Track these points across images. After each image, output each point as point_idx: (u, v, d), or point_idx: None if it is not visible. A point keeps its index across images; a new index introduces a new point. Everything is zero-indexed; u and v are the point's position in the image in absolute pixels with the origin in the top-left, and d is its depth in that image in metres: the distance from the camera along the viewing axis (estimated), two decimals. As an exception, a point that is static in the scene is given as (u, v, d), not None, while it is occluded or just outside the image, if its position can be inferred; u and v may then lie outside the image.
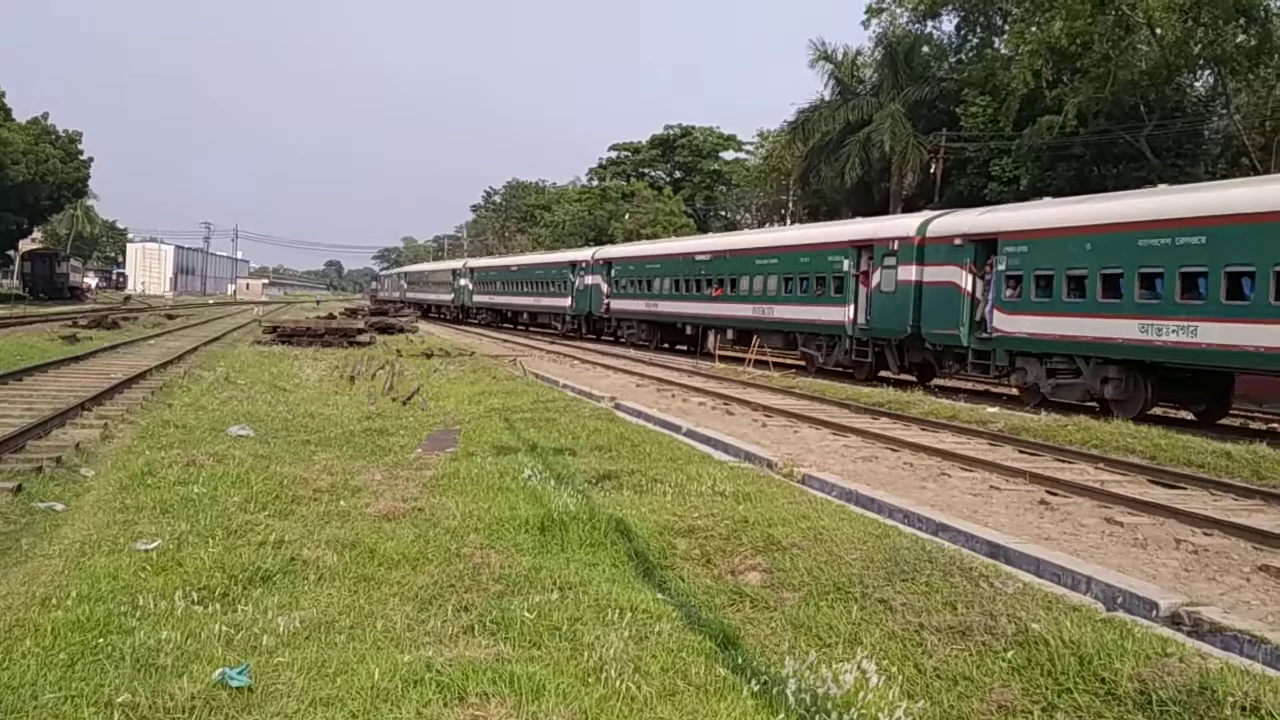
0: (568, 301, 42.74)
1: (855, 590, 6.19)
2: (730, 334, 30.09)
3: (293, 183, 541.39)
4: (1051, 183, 34.21)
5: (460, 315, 60.17)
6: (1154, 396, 17.05)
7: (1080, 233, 17.74)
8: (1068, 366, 17.97)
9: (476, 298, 57.06)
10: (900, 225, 23.14)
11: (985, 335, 19.53)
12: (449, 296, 62.85)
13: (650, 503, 8.62)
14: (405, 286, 79.55)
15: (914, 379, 22.84)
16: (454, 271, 64.08)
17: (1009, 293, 18.96)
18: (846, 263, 23.85)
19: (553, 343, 38.40)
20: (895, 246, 22.15)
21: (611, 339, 39.06)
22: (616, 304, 37.91)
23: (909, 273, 21.51)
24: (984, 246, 19.94)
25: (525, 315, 50.43)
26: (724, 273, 29.88)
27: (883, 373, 23.52)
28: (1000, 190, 36.03)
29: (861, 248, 23.64)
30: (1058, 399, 18.16)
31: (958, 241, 20.45)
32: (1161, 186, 19.90)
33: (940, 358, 21.57)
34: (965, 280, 20.01)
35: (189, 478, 9.07)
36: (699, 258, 31.98)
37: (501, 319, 53.86)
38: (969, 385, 21.93)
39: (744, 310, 28.51)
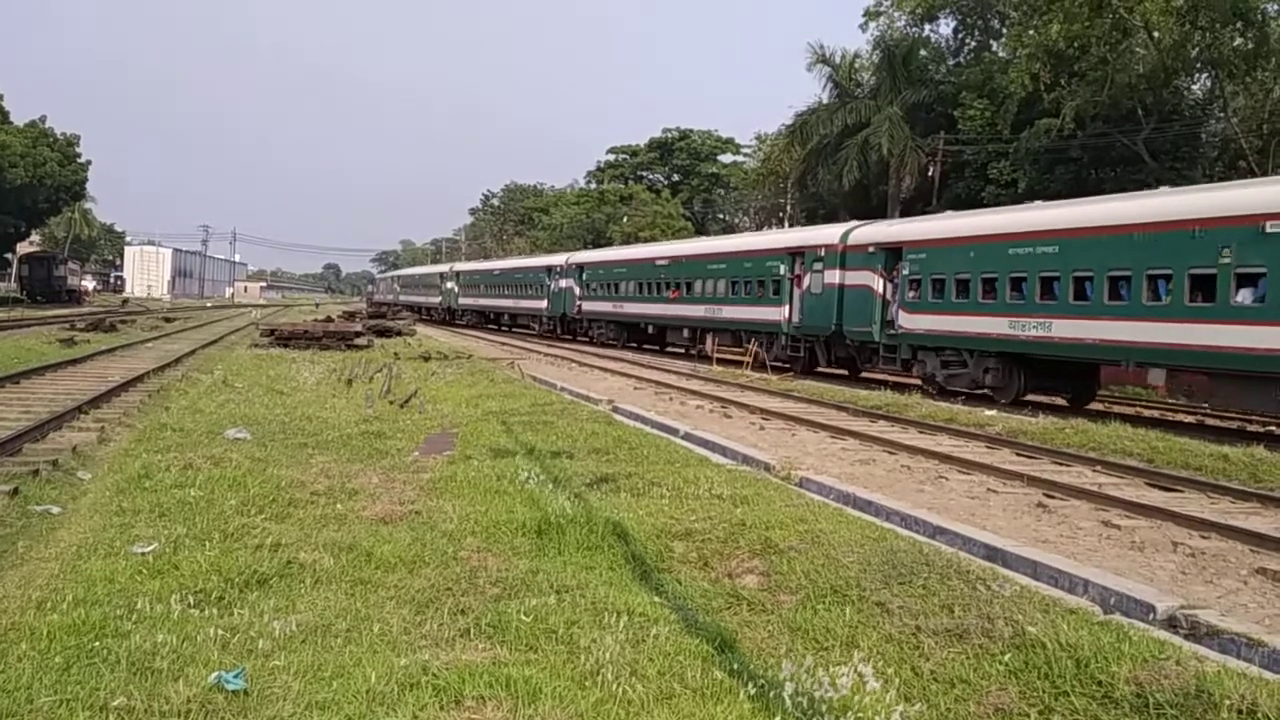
0: (544, 303, 45.36)
1: (852, 593, 6.18)
2: (685, 333, 32.81)
3: (291, 185, 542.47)
4: (1049, 185, 34.25)
5: (448, 317, 62.03)
6: (1026, 385, 19.59)
7: (966, 242, 20.45)
8: (957, 359, 20.56)
9: (462, 300, 59.28)
10: (826, 234, 25.89)
11: (893, 332, 22.19)
12: (438, 299, 64.76)
13: (647, 506, 8.61)
14: (398, 289, 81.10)
15: (845, 372, 25.52)
16: (441, 275, 66.11)
17: (910, 295, 21.66)
18: (783, 268, 26.47)
19: (550, 345, 38.50)
20: (822, 253, 24.78)
21: (586, 339, 40.90)
22: (587, 305, 40.45)
23: (833, 277, 24.15)
24: (892, 254, 22.51)
25: (506, 316, 53.10)
26: (680, 276, 32.65)
27: (818, 368, 26.10)
28: (998, 193, 36.07)
29: (795, 254, 26.15)
30: (950, 387, 20.50)
31: (871, 249, 23.17)
32: (1036, 203, 22.30)
33: (860, 352, 24.23)
34: (878, 284, 22.69)
35: (186, 481, 9.05)
36: (659, 263, 34.81)
37: (485, 320, 56.09)
38: (893, 378, 23.48)
39: (698, 311, 31.16)
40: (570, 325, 43.38)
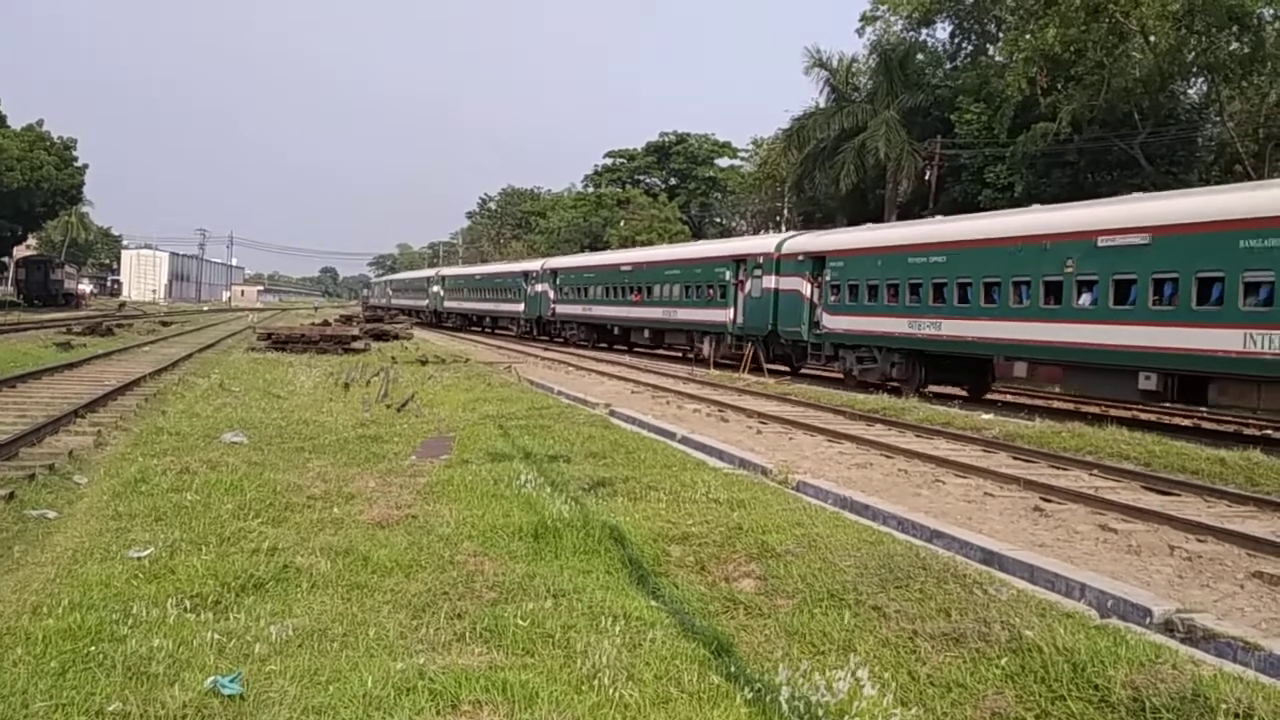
0: (521, 306, 47.67)
1: (849, 597, 6.18)
2: (646, 333, 35.06)
3: (288, 189, 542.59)
4: (1046, 189, 34.28)
5: (434, 319, 64.24)
6: (927, 377, 21.99)
7: (875, 252, 23.20)
8: (869, 355, 23.08)
9: (447, 303, 61.78)
10: (764, 243, 28.56)
11: (819, 332, 24.64)
12: (425, 302, 67.24)
13: (644, 510, 8.60)
14: (391, 294, 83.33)
15: (786, 369, 27.75)
16: (428, 279, 68.78)
17: (832, 298, 24.22)
18: (728, 273, 28.81)
19: (546, 349, 38.53)
20: (761, 260, 27.18)
21: (562, 341, 42.69)
22: (560, 309, 42.69)
23: (770, 282, 26.54)
24: (818, 262, 24.99)
25: (488, 319, 55.41)
26: (641, 281, 35.07)
27: (759, 365, 27.24)
28: (995, 197, 36.09)
29: (739, 261, 28.55)
30: (865, 379, 23.13)
31: (801, 257, 25.59)
32: (937, 218, 25.10)
33: (793, 350, 26.51)
34: (807, 289, 25.15)
35: (182, 485, 9.03)
36: (623, 268, 37.42)
37: (469, 322, 58.45)
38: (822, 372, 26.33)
39: (656, 313, 33.67)
40: (545, 327, 45.38)
